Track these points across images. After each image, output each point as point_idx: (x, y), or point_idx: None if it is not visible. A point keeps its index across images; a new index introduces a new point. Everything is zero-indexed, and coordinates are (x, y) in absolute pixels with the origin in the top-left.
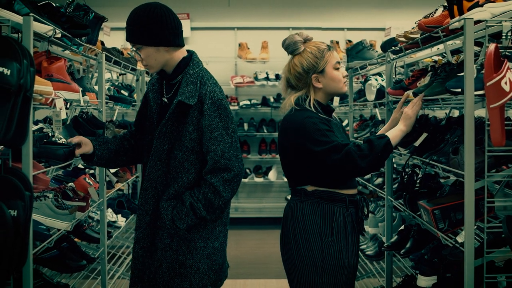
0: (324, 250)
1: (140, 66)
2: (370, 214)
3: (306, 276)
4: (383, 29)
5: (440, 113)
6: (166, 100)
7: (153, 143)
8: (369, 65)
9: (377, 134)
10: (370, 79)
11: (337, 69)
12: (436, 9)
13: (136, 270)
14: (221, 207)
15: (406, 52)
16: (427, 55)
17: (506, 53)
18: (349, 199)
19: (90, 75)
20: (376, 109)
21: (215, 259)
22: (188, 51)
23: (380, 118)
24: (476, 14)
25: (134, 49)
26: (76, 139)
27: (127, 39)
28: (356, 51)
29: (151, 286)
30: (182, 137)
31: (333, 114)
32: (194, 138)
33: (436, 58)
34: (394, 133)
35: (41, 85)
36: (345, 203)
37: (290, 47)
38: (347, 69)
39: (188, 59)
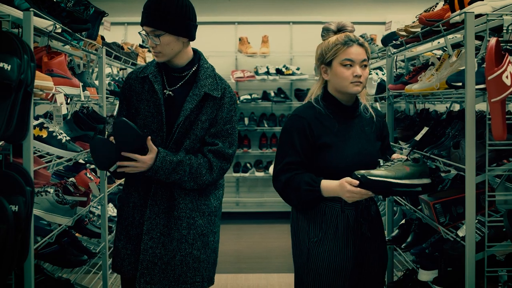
0: (310, 250)
1: (140, 61)
2: None
3: (297, 274)
4: (383, 23)
5: (441, 107)
6: (170, 93)
7: (175, 134)
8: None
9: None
10: (371, 73)
11: (346, 66)
12: (437, 3)
13: (145, 261)
14: (200, 185)
15: (407, 46)
16: (427, 49)
17: (507, 47)
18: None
19: (90, 70)
20: (377, 103)
21: (217, 252)
22: (191, 48)
23: None
24: (477, 8)
25: (150, 35)
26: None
27: (147, 24)
28: None
29: (162, 278)
30: (193, 125)
31: (370, 110)
32: (205, 127)
33: (436, 52)
34: (328, 190)
35: (42, 80)
36: (340, 203)
37: (322, 32)
38: None
39: (198, 54)
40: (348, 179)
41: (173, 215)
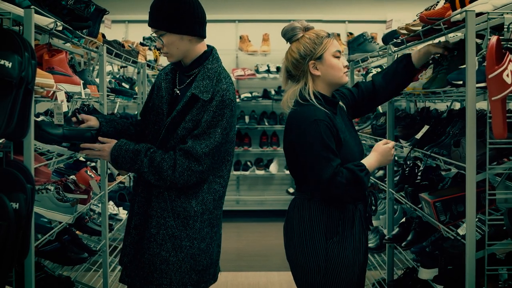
0: (329, 250)
1: (141, 59)
2: (371, 207)
3: (309, 276)
4: (384, 22)
5: (442, 106)
6: (178, 91)
7: (161, 133)
8: (370, 57)
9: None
10: (372, 72)
11: (337, 57)
12: (438, 1)
13: (130, 255)
14: (164, 181)
15: (408, 44)
16: None
17: (508, 45)
18: None
19: (91, 68)
20: None
21: (199, 260)
22: (208, 45)
23: (381, 111)
24: (478, 6)
25: (155, 36)
26: (83, 116)
27: (150, 24)
28: (357, 44)
29: (135, 274)
30: (179, 125)
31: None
32: (187, 127)
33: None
34: (370, 165)
35: (43, 78)
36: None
37: (288, 33)
38: (348, 62)
39: (209, 53)
40: (384, 141)
41: (148, 213)
